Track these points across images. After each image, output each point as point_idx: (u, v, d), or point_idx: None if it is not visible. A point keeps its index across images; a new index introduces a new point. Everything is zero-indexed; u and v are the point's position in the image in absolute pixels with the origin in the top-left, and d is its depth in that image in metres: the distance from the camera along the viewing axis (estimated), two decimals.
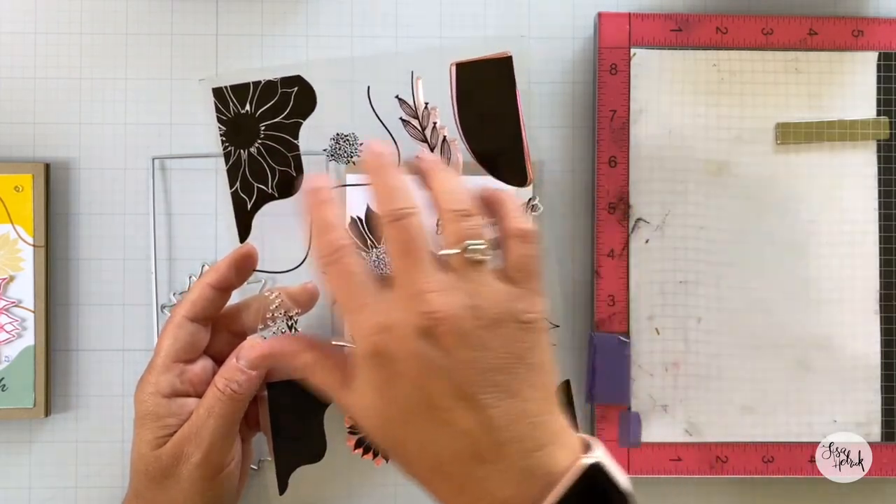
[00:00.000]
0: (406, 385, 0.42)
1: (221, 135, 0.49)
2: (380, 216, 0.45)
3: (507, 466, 0.42)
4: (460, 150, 0.52)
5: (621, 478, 0.43)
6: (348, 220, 0.52)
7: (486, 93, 0.51)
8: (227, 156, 0.49)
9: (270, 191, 0.49)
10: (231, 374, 0.51)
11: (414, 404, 0.42)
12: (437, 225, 0.51)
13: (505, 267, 0.45)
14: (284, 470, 0.54)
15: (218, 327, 0.54)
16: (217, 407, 0.50)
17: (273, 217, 0.48)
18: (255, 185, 0.49)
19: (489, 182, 0.52)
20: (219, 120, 0.49)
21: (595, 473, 0.42)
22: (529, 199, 0.54)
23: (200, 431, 0.50)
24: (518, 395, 0.43)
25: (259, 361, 0.49)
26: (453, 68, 0.51)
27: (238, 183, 0.49)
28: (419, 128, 0.51)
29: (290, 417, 0.49)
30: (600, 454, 0.43)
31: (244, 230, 0.50)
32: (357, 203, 0.47)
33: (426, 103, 0.51)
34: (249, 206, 0.49)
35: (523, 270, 0.45)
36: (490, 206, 0.48)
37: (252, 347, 0.49)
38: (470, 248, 0.43)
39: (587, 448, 0.44)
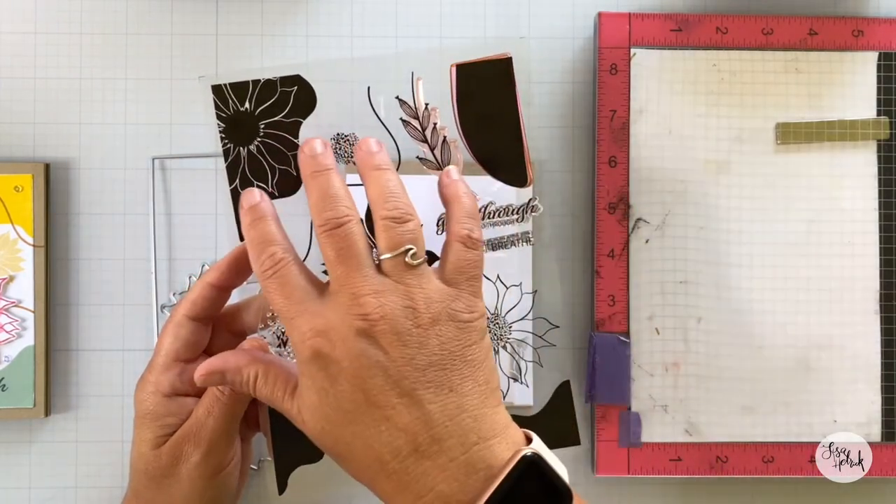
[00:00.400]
0: (346, 385, 0.43)
1: (221, 132, 0.49)
2: (315, 226, 0.46)
3: (447, 461, 0.43)
4: (460, 151, 0.52)
5: (559, 468, 0.45)
6: None
7: (486, 94, 0.51)
8: (226, 153, 0.49)
9: (270, 189, 0.49)
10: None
11: (355, 404, 0.43)
12: (438, 224, 0.51)
13: (444, 269, 0.46)
14: (284, 470, 0.54)
15: (218, 327, 0.54)
16: (216, 407, 0.51)
17: None
18: (255, 182, 0.49)
19: (483, 181, 0.52)
20: (218, 117, 0.49)
21: (533, 465, 0.43)
22: (529, 200, 0.54)
23: (200, 431, 0.50)
24: (456, 390, 0.44)
25: (207, 378, 0.48)
26: (453, 69, 0.51)
27: (238, 180, 0.49)
28: (419, 128, 0.51)
29: None
30: (537, 445, 0.45)
31: None
32: (357, 204, 0.47)
33: (426, 104, 0.51)
34: None
35: (463, 273, 0.46)
36: (445, 204, 0.49)
37: (201, 364, 0.49)
38: (406, 252, 0.45)
39: (530, 442, 0.45)
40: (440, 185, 0.49)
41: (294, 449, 0.54)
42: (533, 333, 0.58)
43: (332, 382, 0.44)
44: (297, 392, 0.46)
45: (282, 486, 0.54)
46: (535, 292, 0.58)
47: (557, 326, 0.59)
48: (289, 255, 0.46)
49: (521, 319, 0.57)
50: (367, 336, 0.43)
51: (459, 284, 0.46)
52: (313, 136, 0.49)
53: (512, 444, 0.44)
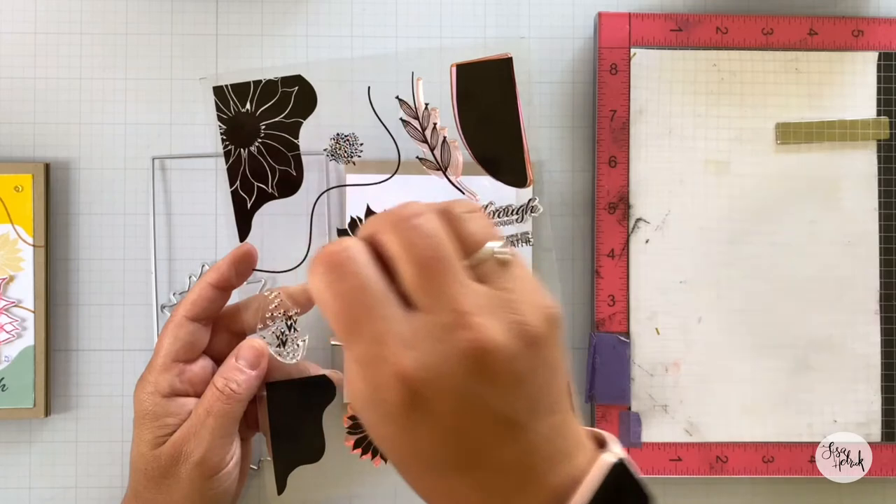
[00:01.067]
0: (440, 431, 0.34)
1: (222, 133, 0.49)
2: (388, 223, 0.36)
3: (539, 487, 0.36)
4: (460, 151, 0.52)
5: (639, 475, 0.39)
6: (348, 219, 0.52)
7: (487, 94, 0.51)
8: (227, 154, 0.49)
9: (270, 190, 0.49)
10: (230, 373, 0.51)
11: (450, 450, 0.35)
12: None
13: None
14: (283, 470, 0.54)
15: (218, 327, 0.54)
16: (216, 406, 0.51)
17: (273, 216, 0.48)
18: (256, 184, 0.49)
19: (487, 183, 0.52)
20: (219, 118, 0.49)
21: (618, 472, 0.37)
22: (529, 200, 0.54)
23: (199, 431, 0.50)
24: (555, 412, 0.36)
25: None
26: (453, 69, 0.51)
27: (238, 182, 0.49)
28: (419, 128, 0.51)
29: (289, 417, 0.49)
30: (619, 451, 0.38)
31: (244, 229, 0.50)
32: (357, 203, 0.47)
33: (426, 104, 0.51)
34: (249, 205, 0.49)
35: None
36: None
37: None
38: (494, 249, 0.36)
39: (599, 443, 0.39)
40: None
41: (293, 449, 0.54)
42: None
43: (420, 424, 0.34)
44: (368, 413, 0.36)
45: (281, 486, 0.54)
46: None
47: None
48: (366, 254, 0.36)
49: None
50: (478, 370, 0.34)
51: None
52: (314, 135, 0.49)
53: (587, 450, 0.37)
